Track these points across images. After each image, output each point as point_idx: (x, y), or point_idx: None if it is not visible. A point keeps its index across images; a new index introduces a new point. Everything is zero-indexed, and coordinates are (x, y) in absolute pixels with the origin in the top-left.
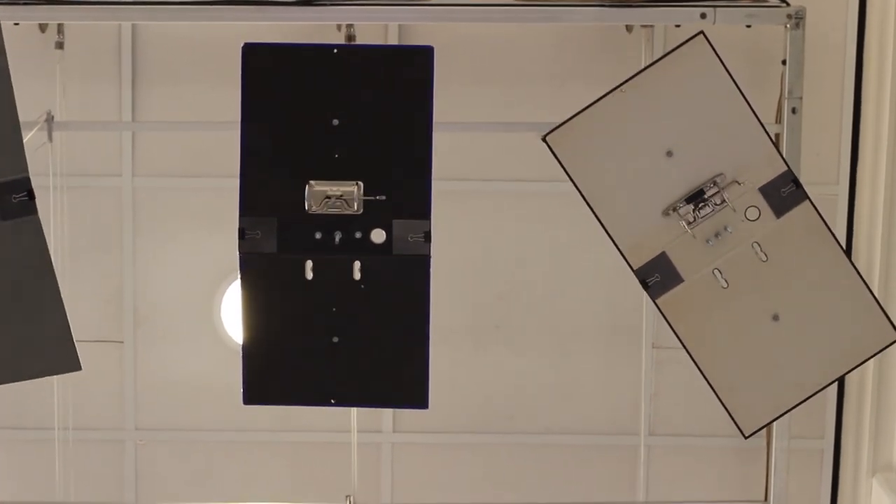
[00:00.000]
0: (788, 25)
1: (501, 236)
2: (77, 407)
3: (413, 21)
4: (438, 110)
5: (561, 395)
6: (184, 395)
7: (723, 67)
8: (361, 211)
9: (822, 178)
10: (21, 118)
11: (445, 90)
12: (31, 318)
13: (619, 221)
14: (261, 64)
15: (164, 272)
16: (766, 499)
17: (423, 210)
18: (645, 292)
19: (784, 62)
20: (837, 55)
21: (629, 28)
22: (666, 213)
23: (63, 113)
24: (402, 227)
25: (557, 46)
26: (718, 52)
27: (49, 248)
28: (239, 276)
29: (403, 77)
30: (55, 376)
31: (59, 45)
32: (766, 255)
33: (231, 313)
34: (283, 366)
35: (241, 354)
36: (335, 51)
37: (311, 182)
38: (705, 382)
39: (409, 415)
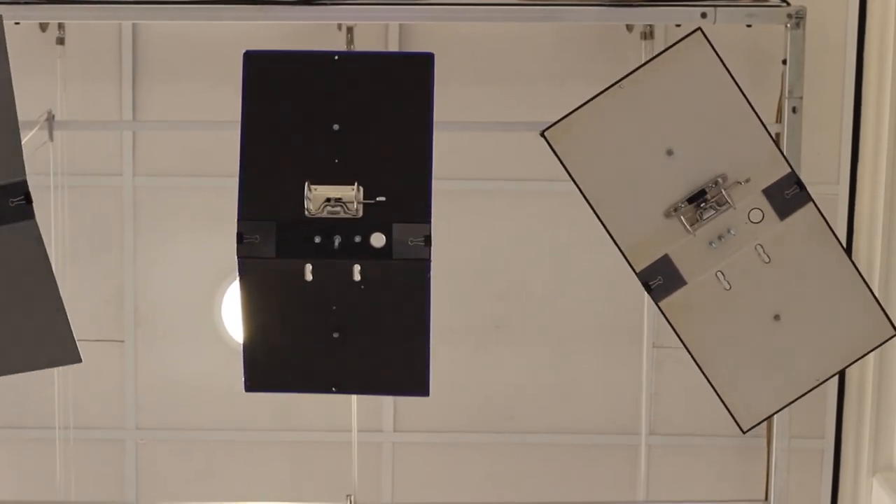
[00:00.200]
0: (789, 25)
1: (501, 236)
2: (78, 406)
3: (413, 21)
4: (438, 110)
5: (561, 395)
6: (184, 394)
7: (721, 65)
8: (361, 215)
9: (823, 178)
10: (22, 117)
11: (445, 90)
12: (32, 319)
13: (621, 221)
14: (262, 71)
15: (164, 271)
16: (766, 498)
17: (423, 213)
18: (647, 294)
19: (784, 62)
20: (838, 55)
21: (629, 28)
22: (668, 213)
23: (64, 112)
24: (401, 230)
25: (557, 46)
26: (718, 52)
27: (49, 247)
28: (238, 279)
29: (404, 83)
30: (56, 377)
31: (60, 41)
32: (768, 256)
33: (231, 313)
34: (284, 356)
35: (241, 350)
36: (336, 58)
37: (311, 186)
38: (705, 382)
39: (409, 414)
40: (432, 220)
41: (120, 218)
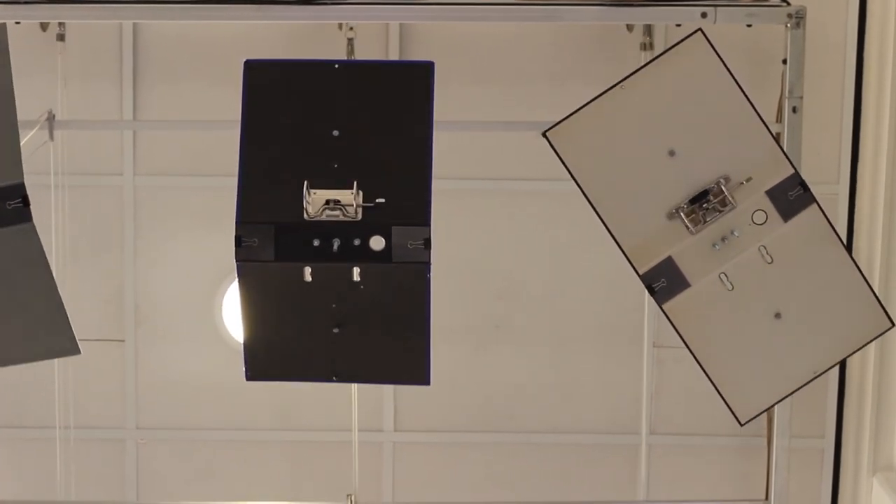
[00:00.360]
0: (789, 25)
1: (501, 236)
2: (78, 406)
3: (413, 20)
4: (438, 109)
5: (561, 395)
6: (185, 393)
7: (723, 66)
8: (360, 218)
9: (823, 178)
10: (22, 117)
11: (445, 89)
12: (31, 315)
13: (623, 222)
14: (262, 80)
15: (165, 271)
16: (766, 498)
17: (422, 216)
18: (648, 294)
19: (784, 61)
20: (838, 54)
21: (629, 27)
22: (670, 215)
23: (64, 112)
24: (401, 233)
25: (557, 46)
26: (719, 52)
27: (50, 247)
28: (237, 283)
29: (404, 91)
30: (56, 376)
31: (60, 38)
32: (771, 257)
33: (232, 312)
34: (284, 347)
35: (241, 349)
36: (336, 66)
37: (310, 189)
38: (706, 382)
39: (410, 414)
40: (432, 219)
41: (120, 217)
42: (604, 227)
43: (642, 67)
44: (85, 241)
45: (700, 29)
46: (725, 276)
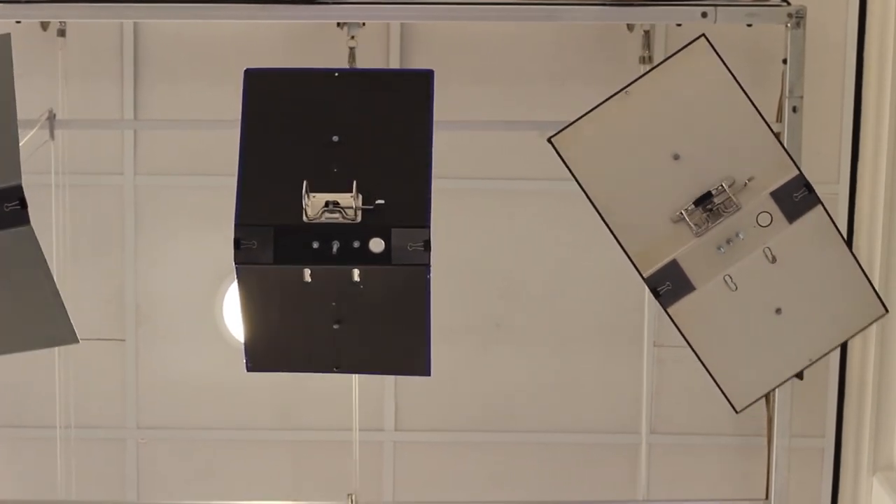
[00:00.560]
0: (789, 24)
1: (501, 235)
2: (79, 405)
3: (414, 19)
4: (438, 109)
5: (562, 394)
6: (185, 393)
7: (727, 70)
8: (360, 220)
9: (823, 177)
10: (22, 116)
11: (445, 89)
12: (30, 309)
13: (628, 226)
14: (262, 88)
15: (165, 270)
16: (766, 497)
17: (422, 218)
18: (648, 294)
19: (785, 61)
20: (838, 54)
21: (630, 27)
22: (675, 219)
23: (65, 111)
24: (400, 235)
25: (558, 45)
26: (720, 52)
27: (50, 246)
28: (236, 283)
29: (404, 99)
30: (57, 376)
31: (61, 34)
32: (775, 257)
33: (232, 312)
34: (286, 341)
35: (242, 348)
36: (336, 74)
37: (309, 191)
38: (706, 381)
39: (410, 413)
40: (432, 219)
41: (121, 217)
42: (605, 227)
43: (647, 73)
44: (85, 240)
45: (703, 35)
46: (730, 277)
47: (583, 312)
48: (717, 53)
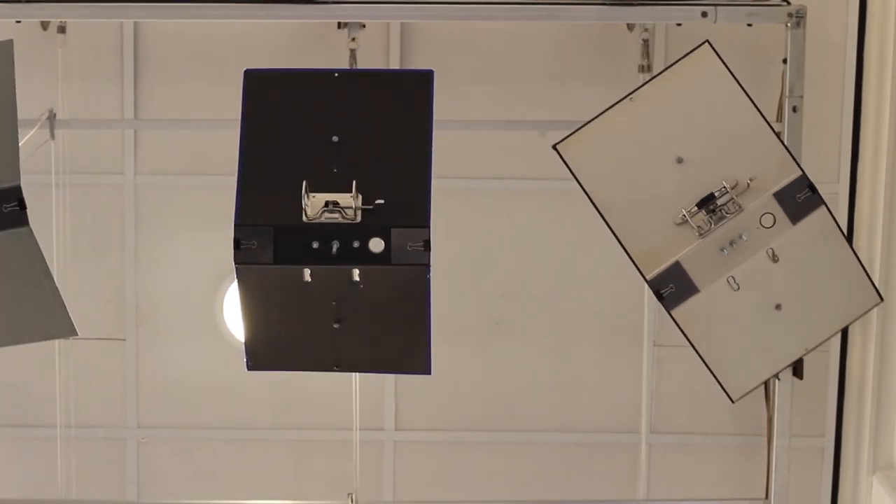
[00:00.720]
0: (789, 24)
1: (501, 235)
2: (79, 405)
3: (414, 19)
4: (438, 108)
5: (562, 393)
6: (186, 392)
7: (731, 76)
8: (359, 220)
9: (823, 177)
10: (23, 116)
11: (445, 88)
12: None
13: (632, 230)
14: (262, 89)
15: (166, 270)
16: (766, 497)
17: (422, 218)
18: (659, 302)
19: (785, 61)
20: (838, 54)
21: (630, 27)
22: (679, 221)
23: (65, 111)
24: (400, 235)
25: (558, 45)
26: (720, 53)
27: (51, 246)
28: (236, 283)
29: (404, 99)
30: (58, 375)
31: (61, 30)
32: (777, 257)
33: (232, 311)
34: (286, 340)
35: (242, 348)
36: (336, 75)
37: (309, 191)
38: (706, 381)
39: (410, 413)
40: (432, 218)
41: (121, 216)
42: (605, 227)
43: (651, 80)
44: (86, 240)
45: (707, 41)
46: (733, 278)
47: (583, 312)
48: (721, 59)
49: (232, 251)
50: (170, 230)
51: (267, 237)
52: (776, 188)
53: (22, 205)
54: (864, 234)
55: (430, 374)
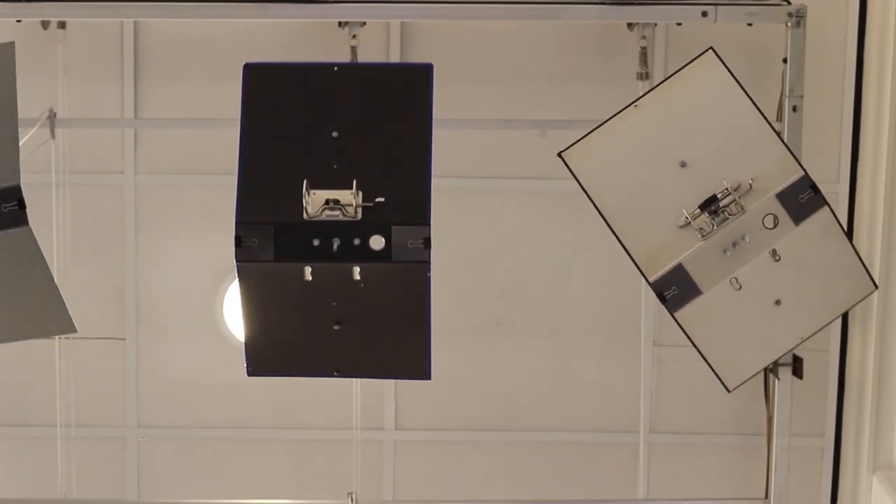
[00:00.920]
0: (789, 24)
1: (501, 234)
2: (79, 404)
3: (414, 18)
4: (438, 108)
5: (562, 393)
6: (186, 392)
7: (734, 81)
8: (360, 217)
9: (823, 177)
10: (23, 115)
11: (446, 88)
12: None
13: (635, 234)
14: (261, 82)
15: (166, 269)
16: (766, 496)
17: (422, 215)
18: (662, 304)
19: (785, 60)
20: (838, 53)
21: (630, 26)
22: (682, 224)
23: (65, 110)
24: (401, 233)
25: (558, 44)
26: (720, 53)
27: (51, 245)
28: (237, 281)
29: (403, 93)
30: (58, 375)
31: (62, 25)
32: (779, 256)
33: (232, 311)
34: (286, 343)
35: (242, 347)
36: (335, 69)
37: (309, 189)
38: (706, 381)
39: (410, 412)
40: (432, 218)
41: (121, 216)
42: (605, 226)
43: (655, 87)
44: (86, 239)
45: (711, 48)
46: (735, 279)
47: (583, 311)
48: (725, 65)
49: (232, 250)
50: (170, 230)
51: (268, 235)
52: (778, 189)
53: (22, 204)
54: (864, 233)
55: (430, 379)
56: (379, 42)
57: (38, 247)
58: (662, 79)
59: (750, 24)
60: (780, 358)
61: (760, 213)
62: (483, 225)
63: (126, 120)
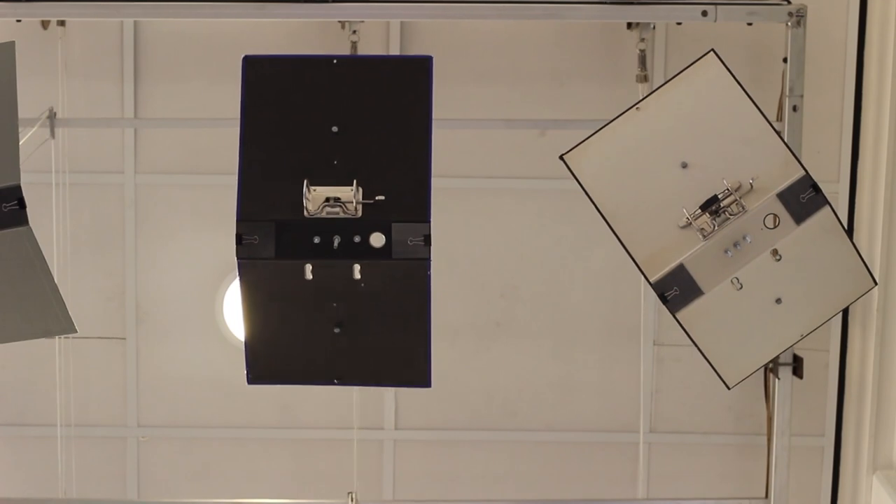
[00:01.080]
0: (790, 23)
1: (502, 233)
2: (80, 404)
3: (415, 18)
4: (439, 107)
5: (562, 392)
6: (186, 391)
7: (735, 82)
8: (360, 215)
9: (823, 176)
10: (23, 115)
11: (446, 87)
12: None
13: (637, 236)
14: (261, 75)
15: (166, 269)
16: (766, 496)
17: (422, 213)
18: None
19: (785, 60)
20: (838, 53)
21: (630, 26)
22: (683, 224)
23: (65, 109)
24: (401, 230)
25: (558, 44)
26: (720, 53)
27: (51, 245)
28: (238, 279)
29: (403, 86)
30: (58, 374)
31: (61, 23)
32: (780, 255)
33: (233, 310)
34: (286, 349)
35: (242, 346)
36: (335, 61)
37: (310, 186)
38: (706, 380)
39: (410, 412)
40: (432, 218)
41: (121, 215)
42: (605, 226)
43: (657, 89)
44: (86, 238)
45: (713, 49)
46: (737, 279)
47: (583, 311)
48: (727, 67)
49: (232, 249)
50: (170, 229)
51: (268, 232)
52: (779, 189)
53: (22, 204)
54: (864, 233)
55: (429, 387)
56: (379, 42)
57: (38, 247)
58: (663, 80)
59: (750, 24)
60: (780, 356)
61: (761, 212)
62: (483, 225)
63: (126, 119)
